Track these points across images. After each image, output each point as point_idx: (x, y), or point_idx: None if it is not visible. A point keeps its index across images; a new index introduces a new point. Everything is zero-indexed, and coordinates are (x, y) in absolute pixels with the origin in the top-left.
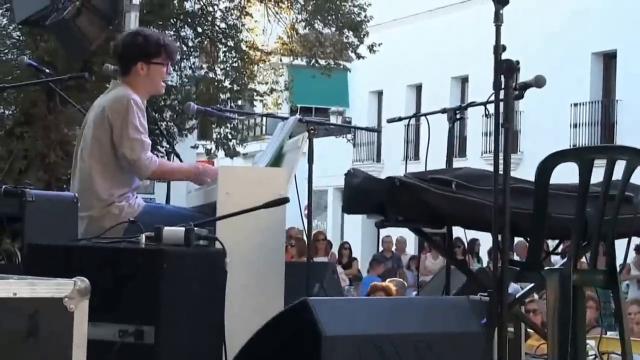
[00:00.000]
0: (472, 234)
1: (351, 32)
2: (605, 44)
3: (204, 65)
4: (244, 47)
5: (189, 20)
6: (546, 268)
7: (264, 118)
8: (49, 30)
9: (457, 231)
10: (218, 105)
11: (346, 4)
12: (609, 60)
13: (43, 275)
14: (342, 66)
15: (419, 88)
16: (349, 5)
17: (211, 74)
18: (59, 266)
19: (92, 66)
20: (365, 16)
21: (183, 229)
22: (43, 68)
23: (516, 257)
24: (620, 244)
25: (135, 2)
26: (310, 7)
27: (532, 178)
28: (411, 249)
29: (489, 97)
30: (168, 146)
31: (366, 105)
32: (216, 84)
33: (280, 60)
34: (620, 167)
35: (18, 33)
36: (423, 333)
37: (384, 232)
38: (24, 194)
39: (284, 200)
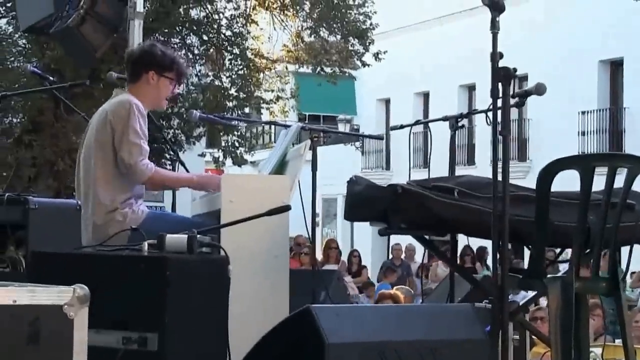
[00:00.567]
0: (480, 242)
1: (357, 40)
2: (612, 51)
3: (210, 73)
4: (249, 55)
5: (195, 27)
6: (548, 276)
7: (272, 126)
8: (54, 38)
9: (466, 239)
10: (223, 113)
11: (351, 11)
12: (616, 67)
13: (47, 283)
14: (347, 74)
15: (426, 96)
16: (355, 13)
17: (217, 82)
18: (63, 274)
19: (100, 74)
20: (370, 24)
21: (186, 236)
22: (47, 75)
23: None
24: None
25: (140, 10)
26: (315, 14)
27: None
28: (421, 256)
29: (490, 105)
30: (173, 154)
31: (374, 113)
32: (222, 91)
33: (286, 68)
34: (623, 175)
35: (24, 41)
36: (427, 340)
37: (393, 240)
38: (27, 201)
39: (286, 208)
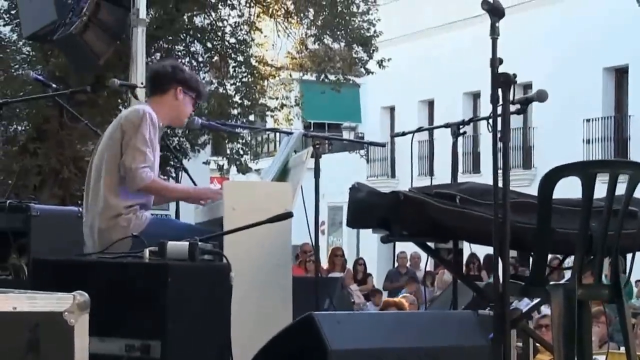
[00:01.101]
0: (487, 250)
1: (361, 47)
2: (616, 58)
3: (214, 81)
4: (253, 62)
5: (199, 35)
6: (551, 283)
7: (277, 134)
8: (57, 45)
9: (472, 247)
10: (227, 120)
11: (355, 19)
12: (620, 75)
13: (49, 290)
14: (352, 82)
15: (431, 104)
16: (359, 20)
17: (221, 89)
18: (65, 281)
19: (104, 81)
20: (374, 31)
21: (187, 243)
22: (50, 83)
23: None
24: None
25: (143, 17)
26: (319, 22)
27: None
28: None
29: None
30: (177, 162)
31: (378, 121)
32: (227, 99)
33: (290, 75)
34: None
35: (28, 48)
36: (429, 347)
37: (398, 248)
38: (29, 208)
39: (288, 215)
